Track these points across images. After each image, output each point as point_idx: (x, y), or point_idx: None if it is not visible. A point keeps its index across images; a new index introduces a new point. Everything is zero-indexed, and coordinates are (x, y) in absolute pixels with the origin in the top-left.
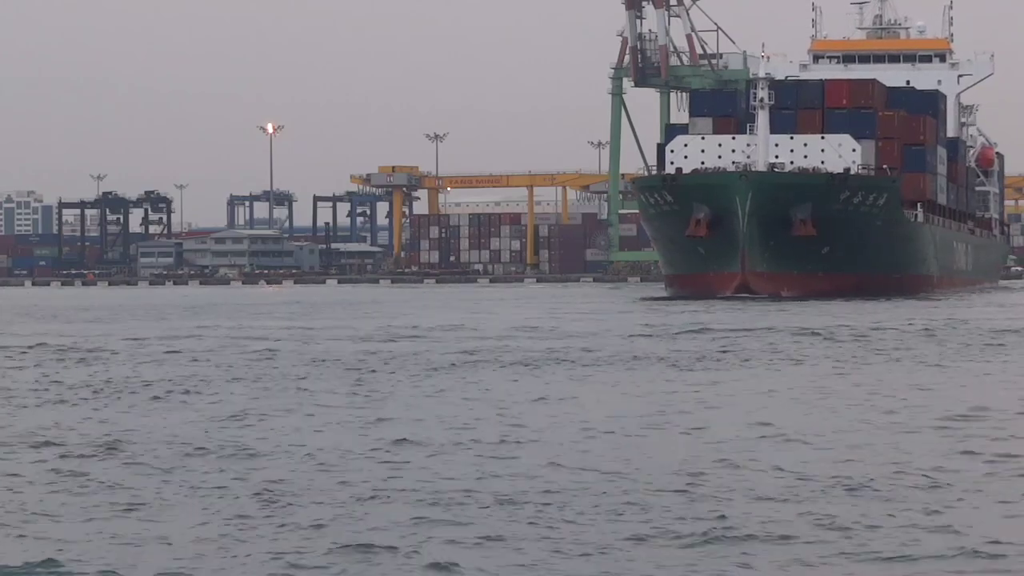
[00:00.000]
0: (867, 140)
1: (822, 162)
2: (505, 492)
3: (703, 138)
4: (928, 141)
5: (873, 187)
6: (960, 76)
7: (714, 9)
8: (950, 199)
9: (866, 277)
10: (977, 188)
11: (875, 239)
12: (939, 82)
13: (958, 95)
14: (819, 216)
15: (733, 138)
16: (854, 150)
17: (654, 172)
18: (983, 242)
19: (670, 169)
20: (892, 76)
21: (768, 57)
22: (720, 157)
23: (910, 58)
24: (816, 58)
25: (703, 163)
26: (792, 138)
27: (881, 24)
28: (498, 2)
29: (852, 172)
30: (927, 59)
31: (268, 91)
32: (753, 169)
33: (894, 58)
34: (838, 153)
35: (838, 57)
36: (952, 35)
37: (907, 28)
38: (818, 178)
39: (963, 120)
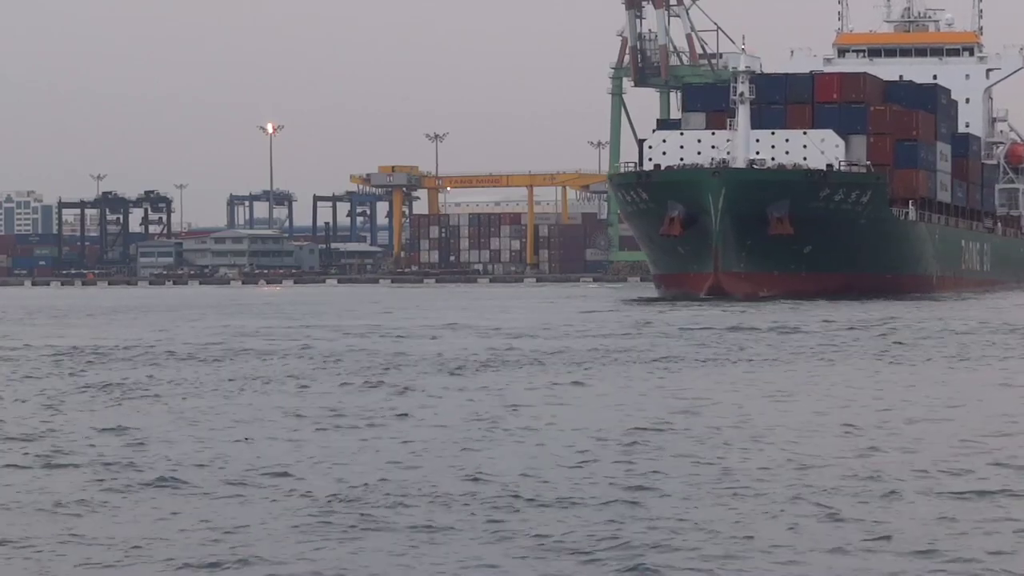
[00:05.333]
0: (858, 136)
1: (804, 158)
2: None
3: (682, 133)
4: (922, 136)
5: (856, 184)
6: (989, 70)
7: (714, 9)
8: (956, 197)
9: (854, 277)
10: (1002, 186)
11: (860, 238)
12: (967, 76)
13: (987, 89)
14: (797, 214)
15: (713, 133)
16: (837, 146)
17: (630, 169)
18: (1008, 242)
19: (649, 166)
20: (919, 70)
21: (745, 50)
22: (699, 153)
23: (937, 52)
24: (841, 52)
25: (682, 159)
26: (773, 133)
27: (909, 17)
28: (498, 2)
29: (835, 168)
30: (955, 52)
31: (268, 91)
32: (732, 165)
33: (921, 52)
34: (821, 149)
35: (864, 51)
36: (981, 28)
37: (936, 21)
38: (795, 175)
39: (994, 116)
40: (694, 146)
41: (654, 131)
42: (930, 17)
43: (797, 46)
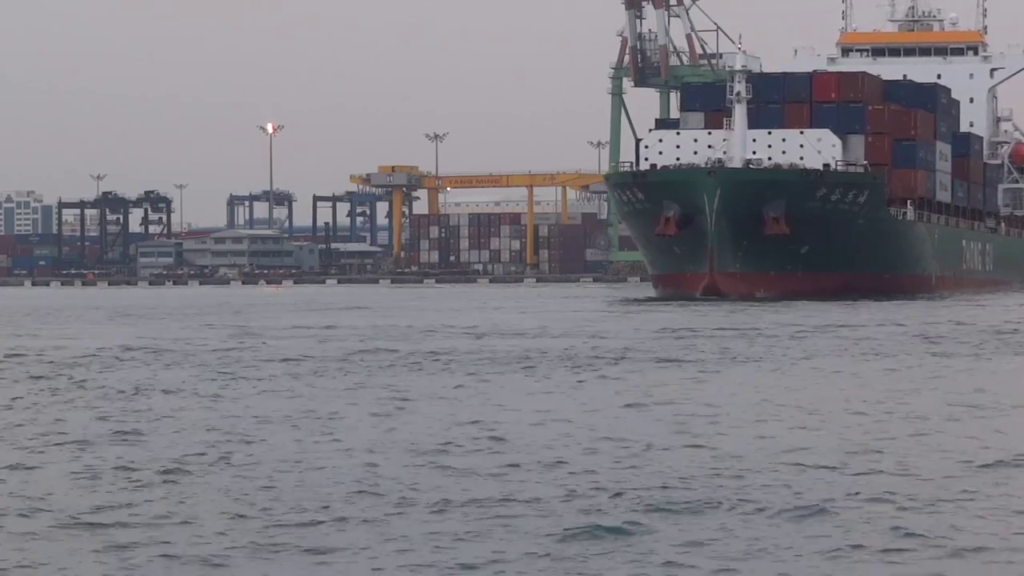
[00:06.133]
0: (856, 135)
1: (801, 158)
2: None
3: (679, 133)
4: (921, 136)
5: (853, 184)
6: (993, 70)
7: (714, 9)
8: (956, 196)
9: (852, 277)
10: (1006, 185)
11: (858, 238)
12: (971, 76)
13: (991, 89)
14: (793, 214)
15: (709, 133)
16: (834, 145)
17: (627, 168)
18: (1011, 242)
19: (645, 165)
20: (922, 70)
21: (744, 49)
22: (696, 153)
23: (941, 51)
24: (845, 51)
25: (678, 159)
26: (770, 133)
27: (913, 16)
28: (498, 2)
29: (832, 168)
30: (959, 52)
31: (268, 91)
32: (728, 165)
33: (925, 51)
34: (818, 149)
35: (867, 51)
36: (986, 27)
37: (940, 20)
38: (791, 174)
39: (999, 115)
40: (691, 146)
41: (651, 131)
42: (934, 16)
43: (800, 46)
